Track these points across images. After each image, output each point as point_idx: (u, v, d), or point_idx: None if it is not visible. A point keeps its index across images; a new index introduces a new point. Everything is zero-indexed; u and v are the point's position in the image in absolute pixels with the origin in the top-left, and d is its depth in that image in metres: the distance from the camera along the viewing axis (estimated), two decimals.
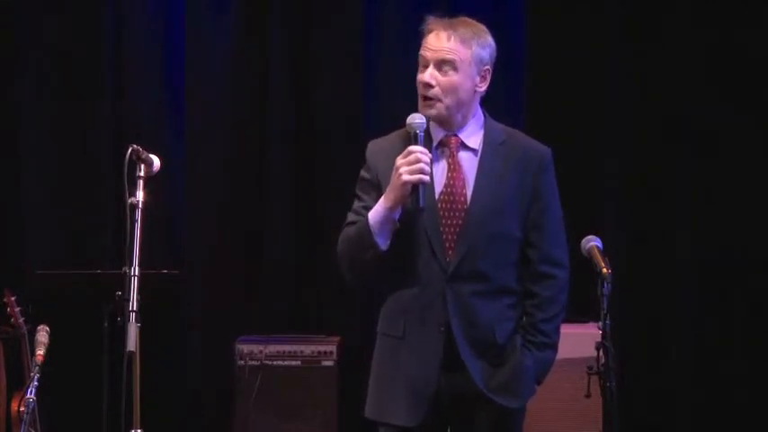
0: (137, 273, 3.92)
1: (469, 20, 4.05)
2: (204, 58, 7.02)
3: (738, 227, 6.65)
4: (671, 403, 6.64)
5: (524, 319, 4.03)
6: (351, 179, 6.84)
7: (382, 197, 3.94)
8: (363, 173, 4.12)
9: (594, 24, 6.75)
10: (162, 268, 5.94)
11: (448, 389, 3.97)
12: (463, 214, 3.96)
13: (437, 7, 6.78)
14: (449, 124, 4.01)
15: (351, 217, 4.06)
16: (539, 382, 4.05)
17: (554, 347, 4.03)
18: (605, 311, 3.64)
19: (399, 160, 3.88)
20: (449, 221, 3.97)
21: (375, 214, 3.93)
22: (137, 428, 3.97)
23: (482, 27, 4.04)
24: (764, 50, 6.62)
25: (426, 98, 3.96)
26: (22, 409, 4.88)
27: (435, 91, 3.94)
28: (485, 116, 4.08)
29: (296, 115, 7.00)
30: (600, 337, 3.70)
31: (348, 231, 4.03)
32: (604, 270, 3.67)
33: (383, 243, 3.94)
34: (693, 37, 6.68)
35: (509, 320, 4.00)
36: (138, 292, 3.90)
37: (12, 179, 6.96)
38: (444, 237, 3.96)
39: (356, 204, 4.08)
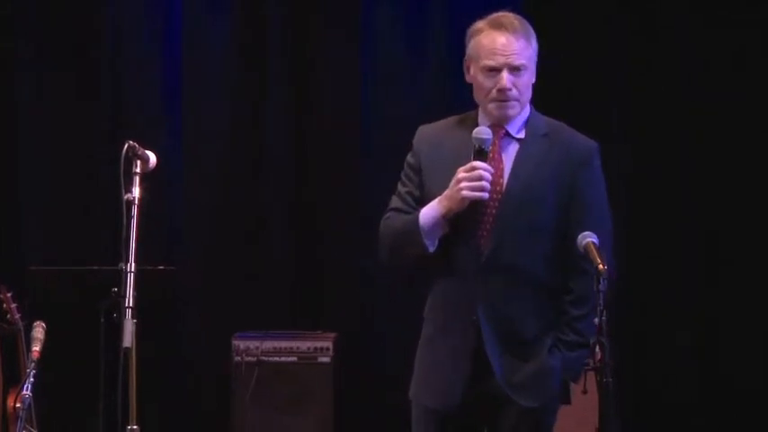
0: (133, 269, 3.92)
1: (516, 15, 4.07)
2: (201, 56, 7.02)
3: (740, 224, 6.64)
4: (668, 398, 6.64)
5: (560, 317, 3.99)
6: (349, 178, 6.92)
7: (436, 201, 3.96)
8: (409, 158, 4.15)
9: (594, 22, 6.75)
10: (159, 264, 5.94)
11: (476, 380, 3.97)
12: (497, 204, 3.97)
13: (434, 6, 6.87)
14: (515, 117, 4.05)
15: (394, 201, 4.11)
16: (574, 380, 3.99)
17: (587, 346, 3.92)
18: (601, 308, 3.63)
19: (462, 173, 3.91)
20: (484, 210, 3.97)
21: (427, 217, 3.97)
22: (133, 424, 3.97)
23: (526, 21, 4.06)
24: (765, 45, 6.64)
25: (506, 100, 3.99)
26: (18, 405, 4.87)
27: (514, 93, 3.99)
28: (531, 108, 4.10)
29: (294, 115, 7.00)
30: (596, 333, 3.70)
31: (394, 220, 4.07)
32: (600, 266, 3.66)
33: (431, 245, 3.98)
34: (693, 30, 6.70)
35: (540, 316, 3.98)
36: (135, 289, 3.90)
37: (8, 176, 6.95)
38: (480, 227, 3.97)
39: (400, 188, 4.12)
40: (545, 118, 4.12)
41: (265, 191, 7.01)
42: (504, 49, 3.97)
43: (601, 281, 3.65)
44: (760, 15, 6.61)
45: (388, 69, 6.96)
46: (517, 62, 3.97)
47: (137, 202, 4.01)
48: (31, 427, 5.28)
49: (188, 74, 7.02)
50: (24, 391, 4.77)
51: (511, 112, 4.02)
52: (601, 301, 3.63)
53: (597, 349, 3.67)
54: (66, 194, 6.94)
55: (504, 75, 3.98)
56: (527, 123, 4.07)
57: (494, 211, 3.96)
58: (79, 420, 6.46)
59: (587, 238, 3.74)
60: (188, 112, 7.02)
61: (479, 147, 3.95)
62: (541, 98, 6.08)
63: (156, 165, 4.18)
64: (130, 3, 7.05)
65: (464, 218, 3.96)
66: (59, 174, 6.95)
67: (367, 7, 6.95)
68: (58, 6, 7.00)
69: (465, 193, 3.90)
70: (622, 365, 6.08)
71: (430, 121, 4.31)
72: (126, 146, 4.09)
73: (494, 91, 3.99)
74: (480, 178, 3.90)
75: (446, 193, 3.95)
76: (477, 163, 3.92)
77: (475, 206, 3.95)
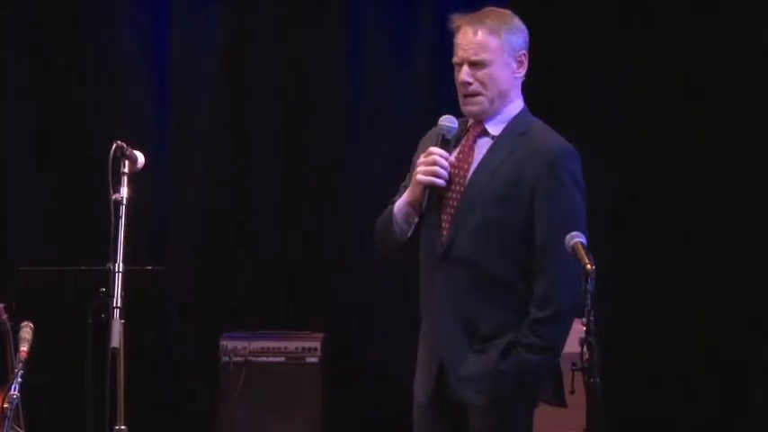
0: (121, 269, 3.93)
1: (495, 9, 4.07)
2: (190, 56, 7.02)
3: (740, 224, 6.65)
4: (668, 399, 6.64)
5: (524, 318, 3.93)
6: (337, 175, 6.92)
7: (407, 190, 4.02)
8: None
9: (596, 22, 6.75)
10: (147, 265, 5.94)
11: (444, 377, 3.97)
12: (459, 196, 3.96)
13: (423, 5, 6.87)
14: (489, 114, 4.03)
15: (396, 197, 4.15)
16: (523, 387, 3.93)
17: (549, 350, 3.91)
18: (589, 308, 3.62)
19: (420, 159, 3.95)
20: (447, 203, 3.98)
21: (398, 206, 4.03)
22: (121, 424, 3.97)
23: (509, 13, 4.06)
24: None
25: (467, 95, 3.99)
26: (5, 405, 4.86)
27: (475, 87, 3.98)
28: (522, 107, 4.08)
29: (282, 115, 7.00)
30: (584, 333, 3.69)
31: (385, 211, 4.11)
32: (588, 266, 3.64)
33: (400, 233, 4.02)
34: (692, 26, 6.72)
35: (499, 314, 3.92)
36: (123, 289, 3.91)
37: None
38: (443, 218, 3.98)
39: (402, 184, 4.16)
40: (534, 119, 4.09)
41: (253, 191, 7.01)
42: (465, 43, 3.98)
43: (589, 281, 3.64)
44: (762, 15, 6.62)
45: (375, 71, 6.97)
46: (475, 57, 3.96)
47: (125, 202, 4.01)
48: (19, 427, 5.26)
49: (177, 74, 7.02)
50: (12, 392, 4.76)
51: (473, 108, 4.01)
52: (588, 302, 3.61)
53: (585, 349, 3.67)
54: (54, 194, 6.93)
55: (464, 69, 3.98)
56: (509, 122, 4.04)
57: (455, 204, 3.96)
58: (67, 420, 6.44)
59: (575, 239, 3.71)
60: (177, 112, 7.02)
61: (442, 135, 3.98)
62: (542, 97, 6.14)
63: (145, 165, 4.19)
64: (119, 4, 7.04)
65: (431, 209, 3.97)
66: (47, 173, 6.94)
67: (353, 8, 6.95)
68: (47, 7, 6.99)
69: (419, 177, 3.93)
70: (621, 366, 6.11)
71: (420, 121, 4.32)
72: (114, 146, 4.10)
73: (459, 86, 4.02)
74: (434, 163, 3.91)
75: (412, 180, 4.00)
76: (433, 149, 3.95)
77: (440, 198, 3.96)
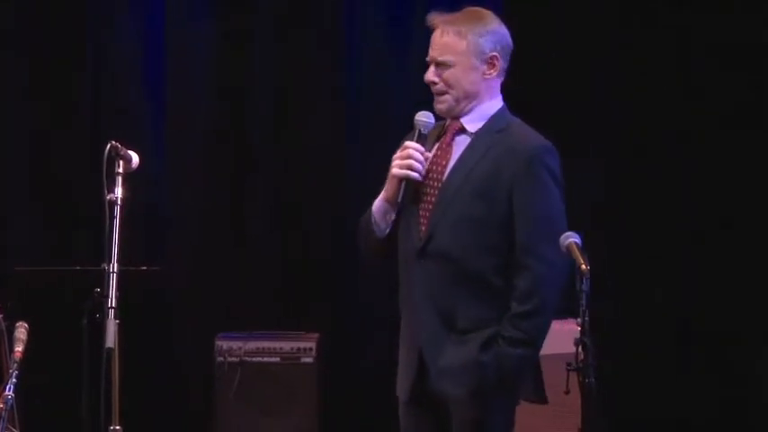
0: (115, 269, 3.93)
1: (472, 9, 4.08)
2: (189, 56, 7.03)
3: (740, 224, 6.64)
4: (667, 399, 6.64)
5: (505, 312, 3.93)
6: (337, 175, 6.92)
7: (385, 186, 4.03)
8: None
9: (595, 22, 6.75)
10: (143, 265, 5.94)
11: (424, 373, 3.97)
12: (437, 192, 3.98)
13: (423, 4, 6.87)
14: (456, 112, 4.04)
15: None
16: (504, 380, 3.93)
17: (529, 344, 3.91)
18: (584, 308, 3.61)
19: (397, 153, 3.96)
20: (425, 198, 4.00)
21: (376, 203, 4.04)
22: (116, 425, 3.97)
23: (485, 14, 4.06)
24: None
25: (435, 93, 4.03)
26: (0, 405, 4.87)
27: (439, 86, 4.00)
28: (500, 106, 4.07)
29: (279, 114, 7.00)
30: (579, 333, 3.69)
31: (366, 213, 4.11)
32: (583, 267, 3.63)
33: (379, 231, 4.03)
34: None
35: (478, 309, 3.93)
36: (117, 289, 3.92)
37: None
38: (421, 213, 3.99)
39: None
40: (513, 118, 4.09)
41: (253, 191, 7.01)
42: (433, 43, 4.02)
43: (583, 281, 3.63)
44: (762, 15, 6.61)
45: (375, 71, 6.97)
46: (440, 58, 4.00)
47: (119, 202, 4.02)
48: (14, 427, 5.26)
49: (176, 74, 7.02)
50: (7, 392, 4.76)
51: (439, 106, 4.04)
52: (583, 302, 3.62)
53: (580, 350, 3.67)
54: (53, 194, 6.93)
55: (430, 68, 4.02)
56: (488, 120, 4.04)
57: (433, 199, 3.98)
58: (62, 420, 6.44)
59: (569, 239, 3.72)
60: (176, 111, 7.02)
61: (418, 129, 4.01)
62: (542, 97, 6.13)
63: (139, 165, 4.19)
64: (119, 4, 7.04)
65: (409, 205, 3.99)
66: (44, 174, 6.93)
67: (348, 8, 6.95)
68: (47, 7, 6.99)
69: (394, 171, 3.96)
70: (621, 366, 6.10)
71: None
72: (108, 146, 4.10)
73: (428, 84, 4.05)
74: (409, 156, 3.93)
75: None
76: (408, 143, 3.98)
77: (417, 193, 3.98)
